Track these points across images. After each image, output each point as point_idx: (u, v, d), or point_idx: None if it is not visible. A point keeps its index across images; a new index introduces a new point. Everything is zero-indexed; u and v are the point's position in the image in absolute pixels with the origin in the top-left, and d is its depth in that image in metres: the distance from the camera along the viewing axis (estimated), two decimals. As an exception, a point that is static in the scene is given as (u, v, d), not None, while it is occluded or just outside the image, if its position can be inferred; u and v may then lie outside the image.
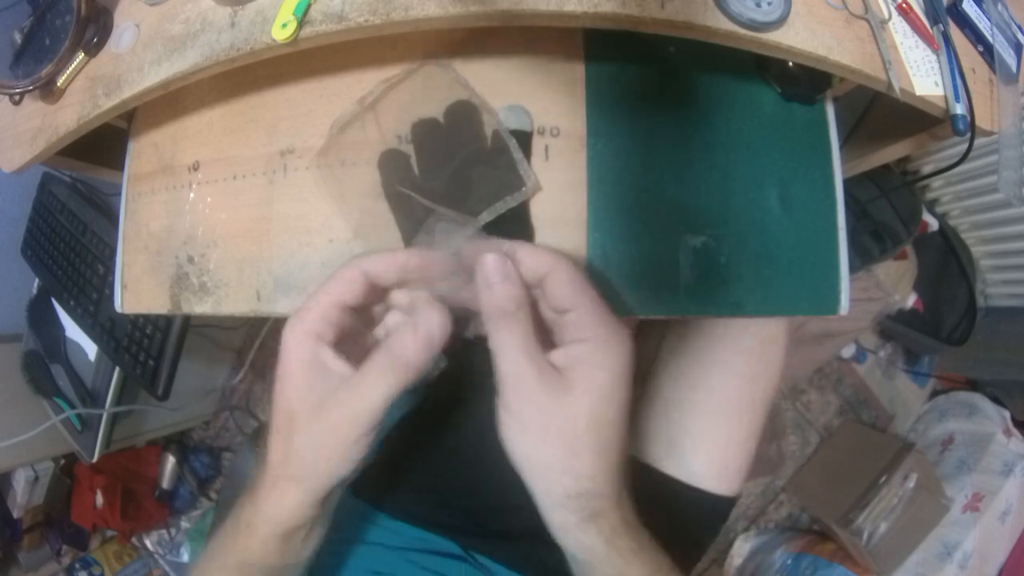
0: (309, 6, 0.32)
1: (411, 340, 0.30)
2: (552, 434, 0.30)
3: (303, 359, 0.31)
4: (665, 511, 0.52)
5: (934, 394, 1.29)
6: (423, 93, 0.40)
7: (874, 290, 1.03)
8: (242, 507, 0.36)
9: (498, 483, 0.54)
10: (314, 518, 0.34)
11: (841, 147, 0.42)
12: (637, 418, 0.58)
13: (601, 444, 0.31)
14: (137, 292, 0.49)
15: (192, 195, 0.46)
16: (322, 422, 0.31)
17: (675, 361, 0.57)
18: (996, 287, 1.12)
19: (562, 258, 0.31)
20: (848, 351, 1.27)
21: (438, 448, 0.60)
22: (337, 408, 0.31)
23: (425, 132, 0.39)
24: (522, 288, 0.30)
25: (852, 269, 0.41)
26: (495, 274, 0.30)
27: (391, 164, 0.40)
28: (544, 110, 0.40)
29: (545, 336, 0.33)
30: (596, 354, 0.30)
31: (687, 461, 0.54)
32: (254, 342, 1.27)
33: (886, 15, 0.36)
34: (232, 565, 0.36)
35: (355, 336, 0.34)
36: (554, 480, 0.31)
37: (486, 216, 0.37)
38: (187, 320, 0.73)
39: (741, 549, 1.25)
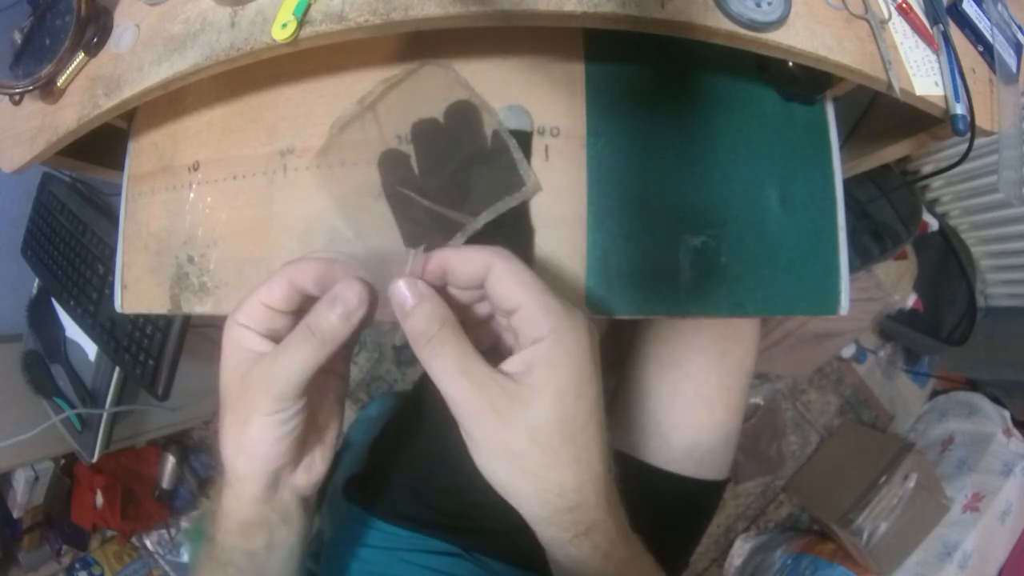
0: (309, 6, 0.32)
1: (327, 312, 0.29)
2: (521, 454, 0.27)
3: (230, 344, 0.30)
4: (648, 500, 0.52)
5: (934, 394, 1.29)
6: (423, 93, 0.40)
7: (874, 290, 1.03)
8: (213, 518, 0.35)
9: (483, 480, 0.54)
10: (266, 516, 0.33)
11: (841, 147, 0.42)
12: (613, 407, 0.57)
13: (579, 451, 0.28)
14: (137, 292, 0.49)
15: (192, 195, 0.46)
16: (245, 398, 0.30)
17: (644, 347, 0.56)
18: (996, 287, 1.12)
19: (498, 254, 0.28)
20: (848, 351, 1.27)
21: (425, 451, 0.60)
22: (255, 379, 0.29)
23: (425, 132, 0.39)
24: (440, 304, 0.28)
25: (852, 269, 0.41)
26: (407, 299, 0.28)
27: (391, 164, 0.40)
28: (544, 110, 0.40)
29: (505, 344, 0.32)
30: (554, 352, 0.27)
31: (665, 448, 0.53)
32: (254, 342, 1.27)
33: (886, 15, 0.36)
34: (211, 563, 0.35)
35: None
36: (538, 501, 0.28)
37: (486, 216, 0.37)
38: (187, 320, 0.73)
39: (741, 549, 1.24)
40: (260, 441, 0.30)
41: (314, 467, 0.34)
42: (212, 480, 0.35)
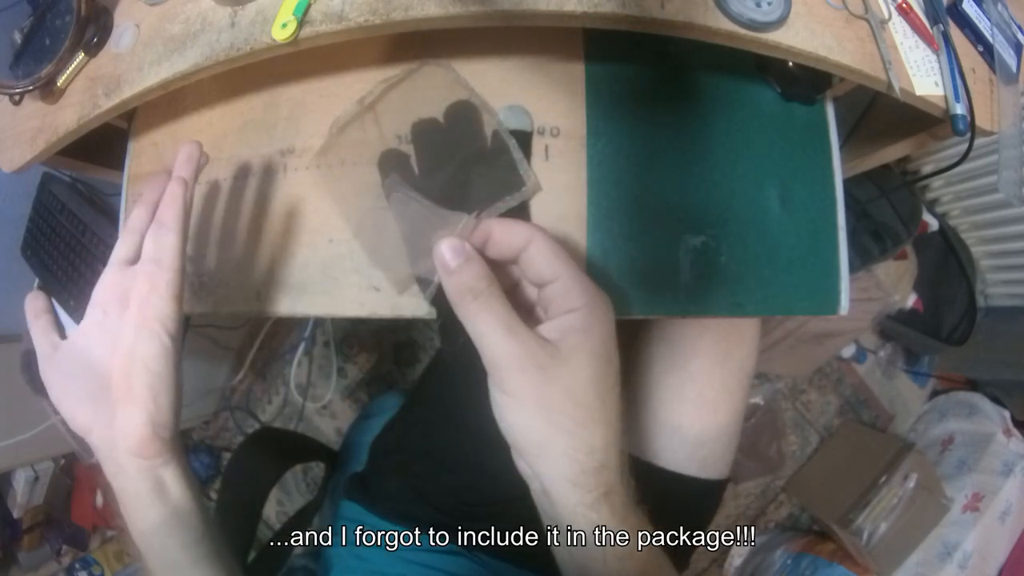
0: (309, 6, 0.32)
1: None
2: (558, 408, 0.29)
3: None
4: (649, 499, 0.52)
5: (934, 394, 1.29)
6: (423, 93, 0.40)
7: (874, 290, 1.03)
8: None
9: (484, 479, 0.54)
10: (162, 445, 0.34)
11: (841, 147, 0.42)
12: None
13: (608, 412, 0.30)
14: (137, 292, 0.49)
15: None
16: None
17: (647, 348, 0.56)
18: (996, 287, 1.12)
19: (537, 229, 0.30)
20: (848, 351, 1.27)
21: (427, 450, 0.60)
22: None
23: (425, 132, 0.39)
24: (485, 264, 0.29)
25: (852, 269, 0.41)
26: (453, 257, 0.29)
27: (391, 164, 0.40)
28: (544, 110, 0.40)
29: (528, 312, 0.33)
30: (588, 320, 0.29)
31: (668, 449, 0.53)
32: (254, 342, 1.27)
33: (886, 15, 0.36)
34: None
35: None
36: (566, 457, 0.29)
37: (486, 216, 0.37)
38: (187, 320, 0.73)
39: (741, 549, 1.24)
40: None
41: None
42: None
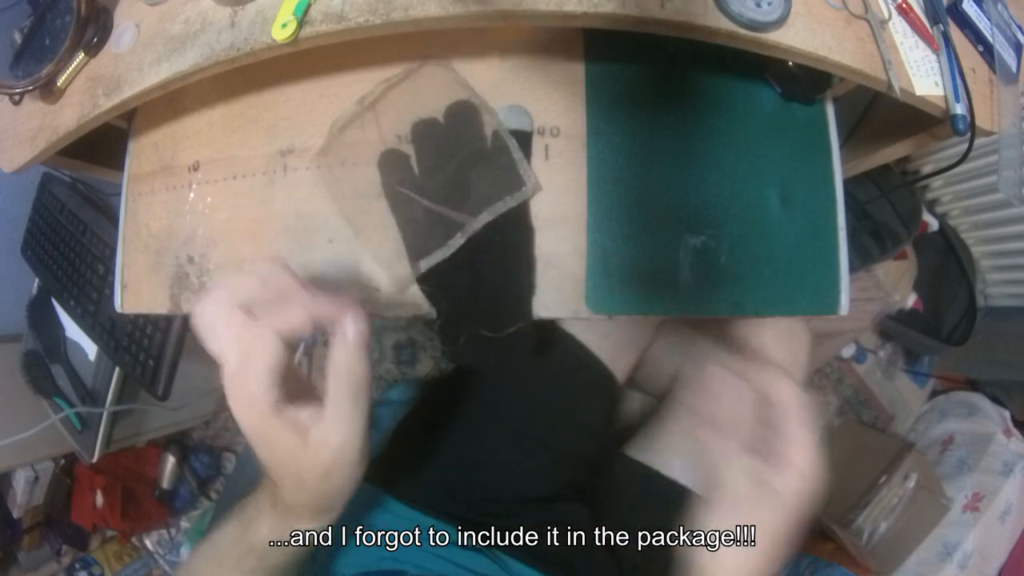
0: (309, 6, 0.32)
1: (345, 353, 0.30)
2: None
3: (272, 434, 0.32)
4: (662, 508, 0.52)
5: (934, 394, 1.29)
6: (423, 93, 0.40)
7: (874, 290, 1.03)
8: (259, 523, 0.37)
9: (506, 478, 0.54)
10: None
11: (841, 147, 0.42)
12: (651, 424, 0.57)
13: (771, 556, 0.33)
14: (137, 292, 0.49)
15: (192, 195, 0.46)
16: (321, 469, 0.32)
17: (661, 356, 0.56)
18: (996, 287, 1.12)
19: (795, 395, 0.32)
20: (848, 351, 1.27)
21: (448, 441, 0.60)
22: (326, 449, 0.31)
23: (425, 132, 0.39)
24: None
25: (852, 269, 0.41)
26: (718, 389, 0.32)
27: (391, 164, 0.40)
28: (544, 110, 0.40)
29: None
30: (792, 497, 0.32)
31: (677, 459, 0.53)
32: (254, 342, 1.27)
33: (886, 15, 0.36)
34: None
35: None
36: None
37: (486, 216, 0.37)
38: (187, 320, 0.73)
39: (741, 549, 1.24)
40: (351, 480, 0.34)
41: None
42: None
